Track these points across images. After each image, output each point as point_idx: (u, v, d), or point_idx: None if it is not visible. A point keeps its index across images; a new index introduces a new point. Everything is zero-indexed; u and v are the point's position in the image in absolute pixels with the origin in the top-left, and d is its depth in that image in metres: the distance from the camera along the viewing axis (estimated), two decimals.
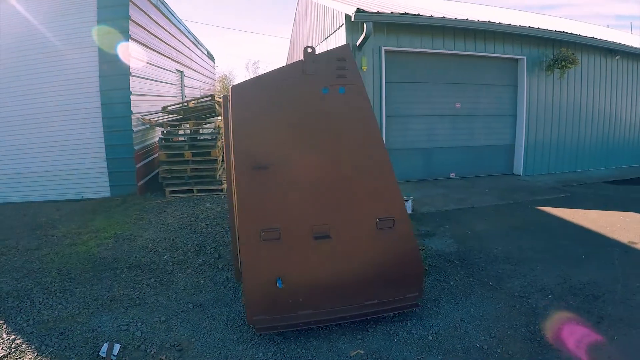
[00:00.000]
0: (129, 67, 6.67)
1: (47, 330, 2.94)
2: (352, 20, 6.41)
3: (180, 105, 7.77)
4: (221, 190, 7.08)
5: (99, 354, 2.69)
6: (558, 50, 7.71)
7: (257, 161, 2.71)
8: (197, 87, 13.28)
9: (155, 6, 8.13)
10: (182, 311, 3.33)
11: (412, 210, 5.91)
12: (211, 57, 18.61)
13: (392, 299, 3.13)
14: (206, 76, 16.03)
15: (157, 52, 8.33)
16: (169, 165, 7.13)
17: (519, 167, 8.25)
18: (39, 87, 6.49)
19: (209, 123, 8.35)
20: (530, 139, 8.12)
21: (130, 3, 6.46)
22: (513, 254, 4.31)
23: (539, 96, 8.06)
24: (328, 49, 8.71)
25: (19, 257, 4.26)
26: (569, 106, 8.39)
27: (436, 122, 7.67)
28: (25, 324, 3.01)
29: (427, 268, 4.05)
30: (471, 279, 3.77)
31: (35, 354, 2.67)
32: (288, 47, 15.40)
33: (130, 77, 6.75)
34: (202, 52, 14.96)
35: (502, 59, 7.82)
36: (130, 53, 6.71)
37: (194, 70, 12.91)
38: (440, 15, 6.86)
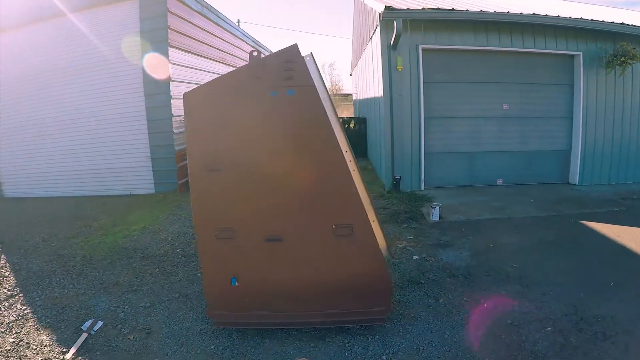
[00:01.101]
0: (169, 74, 7.53)
1: (52, 305, 3.57)
2: (381, 18, 6.34)
3: None
4: None
5: (82, 327, 3.19)
6: (618, 45, 6.63)
7: (210, 164, 2.91)
8: None
9: (201, 13, 8.95)
10: (167, 300, 3.72)
11: (439, 218, 5.62)
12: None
13: (356, 310, 3.08)
14: None
15: (201, 56, 9.13)
16: None
17: (574, 176, 7.31)
18: (91, 93, 7.69)
19: None
20: (589, 145, 7.15)
21: (168, 13, 7.28)
22: (530, 273, 3.86)
23: (598, 96, 7.06)
24: (372, 50, 8.68)
25: (56, 243, 5.15)
26: (634, 108, 7.16)
27: (481, 124, 7.19)
28: (37, 298, 3.69)
29: (422, 282, 3.87)
30: (465, 299, 3.49)
31: (35, 323, 3.28)
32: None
33: (171, 83, 7.61)
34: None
35: (555, 56, 7.06)
36: (170, 60, 7.55)
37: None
38: (478, 9, 6.38)
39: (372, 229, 3.02)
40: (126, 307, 3.57)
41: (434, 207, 5.66)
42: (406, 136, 6.88)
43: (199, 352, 2.95)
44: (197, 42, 8.86)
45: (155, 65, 7.53)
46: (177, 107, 7.88)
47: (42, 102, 8.08)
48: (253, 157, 2.92)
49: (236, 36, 11.98)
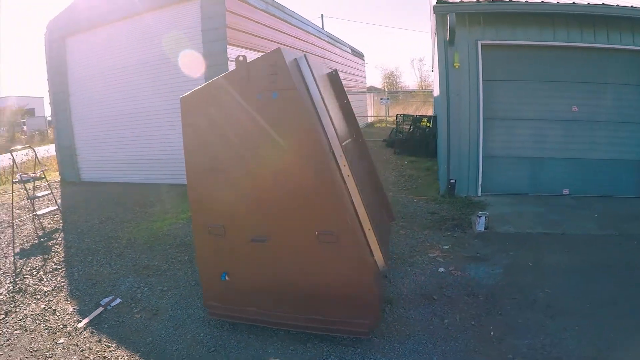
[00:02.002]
0: (227, 69, 8.07)
1: (86, 280, 4.18)
2: (433, 12, 6.01)
3: None
4: None
5: (100, 302, 3.70)
6: None
7: (203, 164, 3.12)
8: None
9: (265, 10, 9.38)
10: (183, 285, 4.08)
11: (485, 228, 5.16)
12: (358, 55, 19.78)
13: (339, 320, 3.03)
14: (350, 73, 17.19)
15: (263, 52, 9.57)
16: None
17: None
18: (159, 86, 8.56)
19: None
20: None
21: (227, 12, 7.78)
22: (561, 301, 3.35)
23: None
24: (435, 46, 8.24)
25: (110, 226, 5.94)
26: None
27: (546, 127, 6.46)
28: (76, 273, 4.34)
29: (435, 297, 3.63)
30: (473, 323, 3.19)
31: (67, 294, 3.89)
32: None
33: None
34: (343, 50, 16.09)
35: (631, 52, 6.04)
36: (229, 57, 8.08)
37: (330, 69, 14.08)
38: (539, 0, 5.60)
39: (359, 238, 2.93)
40: (145, 289, 4.01)
41: (480, 217, 5.21)
42: (463, 138, 6.45)
43: (188, 337, 3.20)
44: (259, 38, 9.31)
45: (214, 62, 8.16)
46: None
47: (114, 95, 9.26)
48: (241, 159, 3.04)
49: (308, 32, 12.31)
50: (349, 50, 18.14)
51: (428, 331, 3.13)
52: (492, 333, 3.03)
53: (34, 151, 6.65)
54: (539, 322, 3.10)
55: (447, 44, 6.20)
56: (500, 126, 6.52)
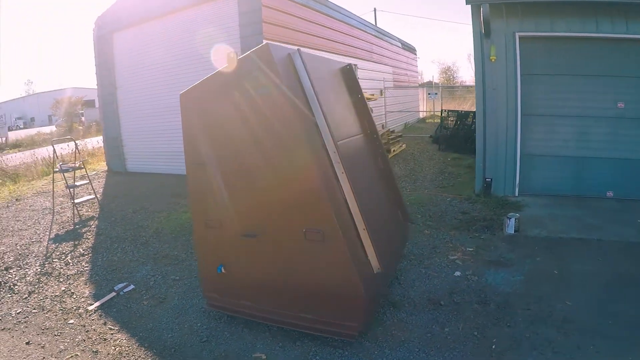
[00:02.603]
0: None
1: (107, 266, 4.49)
2: (466, 3, 5.68)
3: None
4: None
5: (114, 288, 3.97)
6: None
7: (199, 158, 3.21)
8: (380, 78, 14.21)
9: (305, 5, 9.36)
10: (194, 275, 4.22)
11: (515, 231, 4.82)
12: (410, 49, 19.44)
13: (327, 320, 2.99)
14: (399, 67, 16.93)
15: (303, 47, 9.60)
16: None
17: None
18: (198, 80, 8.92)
19: None
20: None
21: (262, 7, 7.88)
22: (581, 316, 3.03)
23: None
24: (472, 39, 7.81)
25: (142, 216, 6.31)
26: None
27: (590, 125, 5.96)
28: (100, 259, 4.67)
29: (442, 303, 3.46)
30: (476, 334, 2.99)
31: (87, 278, 4.21)
32: None
33: None
34: (392, 44, 15.83)
35: None
36: None
37: (377, 62, 13.91)
38: None
39: (350, 237, 2.86)
40: (159, 277, 4.23)
41: (510, 218, 4.86)
42: (500, 134, 6.10)
43: (185, 326, 3.33)
44: (298, 32, 9.35)
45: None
46: None
47: (158, 88, 9.74)
48: (234, 154, 3.10)
49: (352, 26, 12.21)
50: (399, 45, 17.82)
51: (424, 339, 2.99)
52: (493, 347, 2.82)
53: (75, 143, 7.24)
54: (549, 338, 2.83)
55: (482, 36, 5.91)
56: (539, 123, 6.09)
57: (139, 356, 2.98)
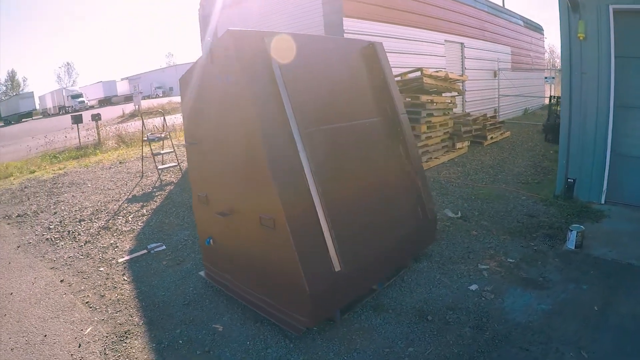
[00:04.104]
0: None
1: (156, 227, 5.13)
2: None
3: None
4: None
5: (147, 246, 4.52)
6: None
7: (190, 137, 3.43)
8: (494, 59, 12.67)
9: None
10: None
11: (576, 247, 3.86)
12: (535, 28, 16.99)
13: (282, 309, 2.94)
14: (521, 48, 14.97)
15: (393, 23, 9.01)
16: None
17: None
18: None
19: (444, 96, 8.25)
20: None
21: None
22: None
23: None
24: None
25: None
26: None
27: None
28: (153, 221, 5.37)
29: (430, 319, 3.04)
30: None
31: (136, 234, 4.92)
32: None
33: None
34: (511, 22, 13.97)
35: None
36: (344, 29, 7.96)
37: (489, 42, 12.57)
38: None
39: (303, 229, 2.71)
40: (189, 242, 4.67)
41: (572, 231, 3.89)
42: (588, 128, 4.94)
43: (180, 288, 3.66)
44: (387, 9, 8.84)
45: (332, 34, 8.22)
46: None
47: None
48: (211, 136, 3.29)
49: (462, 2, 11.07)
50: (521, 23, 15.44)
51: (379, 354, 2.70)
52: None
53: (163, 116, 8.29)
54: None
55: (569, 9, 4.72)
56: (637, 117, 4.68)
57: (129, 305, 3.42)
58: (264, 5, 9.79)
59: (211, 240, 3.48)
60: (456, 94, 8.31)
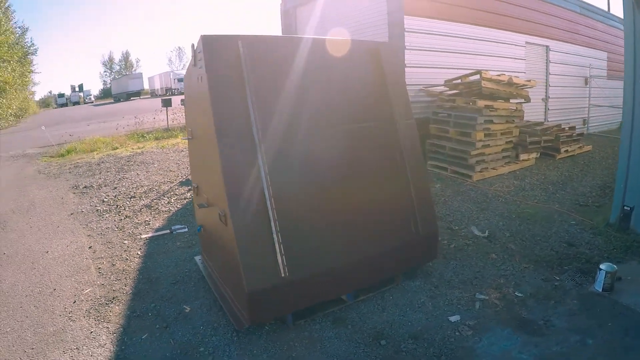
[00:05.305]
0: (404, 41, 7.60)
1: (190, 210, 5.44)
2: None
3: (455, 80, 7.62)
4: (469, 176, 6.57)
5: (171, 227, 4.92)
6: None
7: (188, 133, 3.62)
8: (585, 64, 10.88)
9: None
10: None
11: (604, 290, 3.18)
12: None
13: (236, 303, 3.00)
14: (621, 54, 12.59)
15: (460, 22, 8.25)
16: (437, 139, 7.63)
17: None
18: None
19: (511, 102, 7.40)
20: None
21: None
22: None
23: None
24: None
25: None
26: None
27: None
28: (190, 204, 5.77)
29: (383, 344, 2.81)
30: None
31: (170, 215, 5.38)
32: None
33: (405, 50, 7.67)
34: (608, 25, 11.77)
35: None
36: (405, 28, 7.54)
37: (581, 46, 10.88)
38: None
39: (238, 227, 2.71)
40: None
41: (601, 270, 3.16)
42: None
43: (177, 268, 3.93)
44: (453, 6, 8.15)
45: (394, 32, 7.90)
46: (412, 75, 7.94)
47: None
48: (197, 133, 3.46)
49: (547, 1, 9.74)
50: (621, 27, 12.78)
51: None
52: None
53: None
54: None
55: (634, 5, 3.79)
56: None
57: (129, 276, 3.83)
58: (342, 3, 9.78)
59: (202, 229, 3.68)
60: (522, 100, 7.26)
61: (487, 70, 6.80)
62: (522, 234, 4.42)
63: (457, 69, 8.58)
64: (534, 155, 7.17)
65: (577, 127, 9.57)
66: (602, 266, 3.16)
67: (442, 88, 8.09)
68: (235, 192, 2.71)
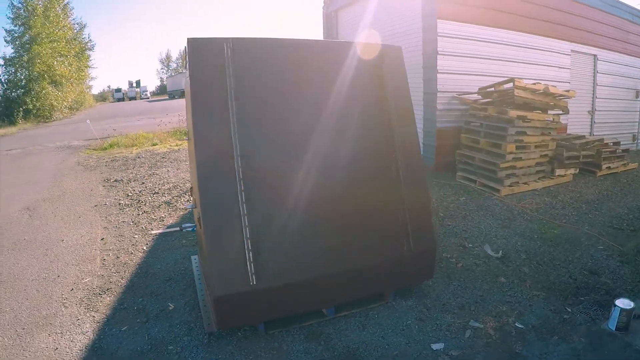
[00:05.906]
0: (436, 47, 7.27)
1: None
2: None
3: (488, 87, 7.14)
4: (497, 190, 6.11)
5: (182, 225, 4.99)
6: None
7: (187, 133, 3.66)
8: (637, 76, 9.89)
9: None
10: None
11: (617, 329, 2.81)
12: None
13: (209, 305, 2.95)
14: None
15: (493, 26, 7.74)
16: (468, 149, 7.25)
17: None
18: None
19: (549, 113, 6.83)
20: None
21: None
22: None
23: None
24: None
25: None
26: None
27: None
28: None
29: None
30: None
31: (186, 213, 5.49)
32: None
33: (438, 56, 7.34)
34: None
35: None
36: (438, 32, 7.21)
37: (633, 56, 9.75)
38: None
39: (210, 232, 2.70)
40: None
41: (616, 307, 2.73)
42: None
43: (175, 265, 3.99)
44: (488, 10, 7.67)
45: (427, 37, 7.61)
46: (445, 82, 7.60)
47: None
48: (190, 136, 3.42)
49: (585, 4, 8.88)
50: None
51: None
52: None
53: None
54: None
55: None
56: None
57: (128, 269, 3.96)
58: (378, 8, 9.60)
59: (196, 229, 3.71)
60: (560, 112, 6.58)
61: (522, 79, 6.28)
62: (540, 256, 3.99)
63: (495, 76, 8.04)
64: (571, 171, 6.48)
65: (625, 143, 8.62)
66: (617, 302, 2.73)
67: (476, 96, 7.64)
68: (208, 196, 2.69)
